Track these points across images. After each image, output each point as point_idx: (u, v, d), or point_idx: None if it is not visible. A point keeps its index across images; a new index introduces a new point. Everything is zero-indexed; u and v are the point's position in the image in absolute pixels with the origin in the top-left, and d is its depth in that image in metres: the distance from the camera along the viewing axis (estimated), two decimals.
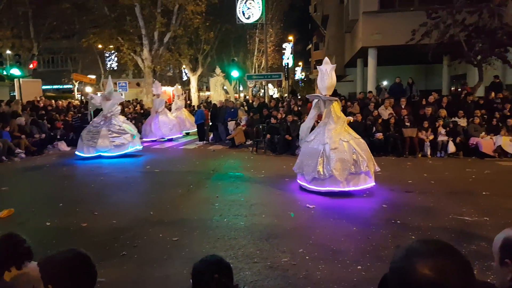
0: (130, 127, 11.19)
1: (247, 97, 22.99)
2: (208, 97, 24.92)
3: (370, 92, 14.15)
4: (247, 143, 13.18)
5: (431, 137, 10.63)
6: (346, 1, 19.93)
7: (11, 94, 23.58)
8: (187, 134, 16.45)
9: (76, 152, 10.82)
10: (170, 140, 14.64)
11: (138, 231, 4.96)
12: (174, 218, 5.52)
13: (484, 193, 6.63)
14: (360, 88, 18.31)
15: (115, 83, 23.50)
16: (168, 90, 24.51)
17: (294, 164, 9.72)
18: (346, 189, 6.55)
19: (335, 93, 16.05)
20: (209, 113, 15.18)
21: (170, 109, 16.21)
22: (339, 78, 25.63)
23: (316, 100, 7.21)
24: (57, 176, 8.74)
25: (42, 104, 14.61)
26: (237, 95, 29.67)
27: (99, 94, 13.51)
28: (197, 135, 15.10)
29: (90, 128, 10.86)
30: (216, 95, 19.23)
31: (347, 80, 24.88)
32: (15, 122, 11.63)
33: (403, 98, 12.07)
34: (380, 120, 11.27)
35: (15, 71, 16.01)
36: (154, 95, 15.21)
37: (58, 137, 12.90)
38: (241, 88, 35.21)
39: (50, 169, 9.49)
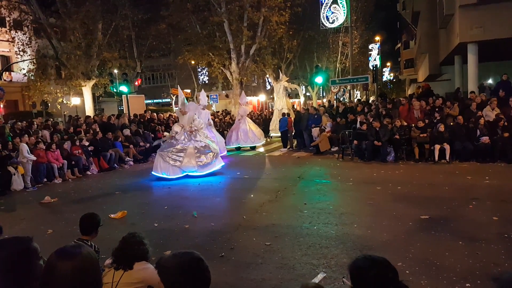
0: (214, 145, 10.41)
1: (331, 102, 22.42)
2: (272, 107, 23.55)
3: (473, 92, 12.77)
4: (332, 149, 12.97)
5: None
6: None
7: (119, 108, 27.12)
8: (253, 148, 14.96)
9: (153, 173, 9.82)
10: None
11: (233, 234, 5.28)
12: (265, 223, 5.72)
13: None
14: (460, 88, 16.64)
15: (207, 96, 25.46)
16: (253, 100, 25.23)
17: (385, 171, 9.34)
18: None
19: (430, 93, 14.93)
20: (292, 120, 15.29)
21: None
22: (434, 77, 23.92)
23: None
24: (160, 181, 9.75)
25: (147, 117, 16.46)
26: (319, 101, 29.28)
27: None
28: (281, 143, 15.41)
29: (170, 147, 9.84)
30: (279, 102, 17.84)
31: (444, 79, 22.87)
32: (120, 133, 13.24)
33: None
34: (482, 122, 10.16)
35: (123, 88, 18.29)
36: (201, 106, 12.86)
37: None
38: (323, 94, 34.73)
39: (154, 175, 10.55)
